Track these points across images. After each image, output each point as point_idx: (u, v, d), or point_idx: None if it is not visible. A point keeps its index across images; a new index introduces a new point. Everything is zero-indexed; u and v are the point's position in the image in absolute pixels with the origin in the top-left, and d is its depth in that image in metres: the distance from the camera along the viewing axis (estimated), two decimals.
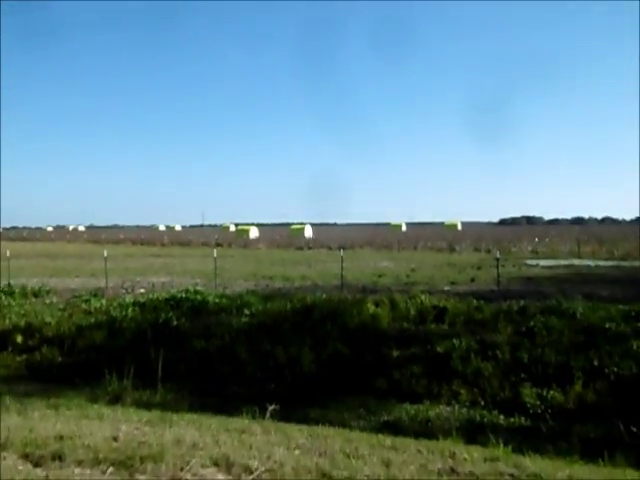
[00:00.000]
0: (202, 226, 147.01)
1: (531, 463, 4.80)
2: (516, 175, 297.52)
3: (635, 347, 10.26)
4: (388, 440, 5.60)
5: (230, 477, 3.89)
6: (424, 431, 7.54)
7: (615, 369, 9.56)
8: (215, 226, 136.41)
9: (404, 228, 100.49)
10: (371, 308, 13.80)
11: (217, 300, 15.36)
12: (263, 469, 4.01)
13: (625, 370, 9.51)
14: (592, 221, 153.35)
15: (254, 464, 4.10)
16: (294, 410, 8.29)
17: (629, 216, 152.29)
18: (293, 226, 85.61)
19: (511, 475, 4.35)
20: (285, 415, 7.24)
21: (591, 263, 29.33)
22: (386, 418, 8.68)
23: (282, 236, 69.01)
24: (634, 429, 6.10)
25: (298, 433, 5.57)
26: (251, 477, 3.88)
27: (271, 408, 6.42)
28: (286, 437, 5.24)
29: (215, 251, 23.21)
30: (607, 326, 11.51)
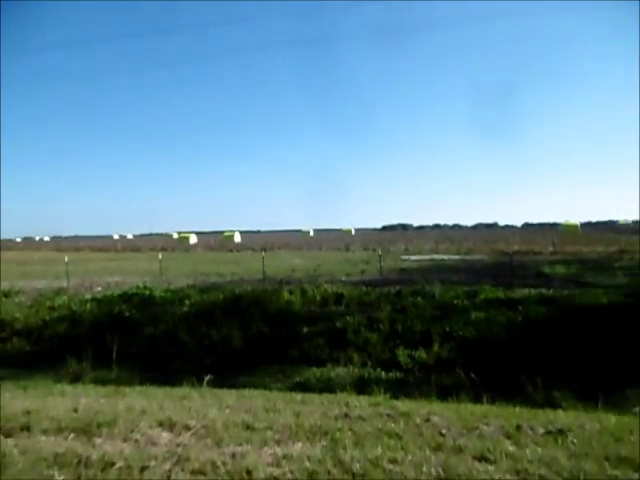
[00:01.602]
0: (150, 235, 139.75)
1: (402, 404, 5.00)
2: (393, 190, 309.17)
3: (473, 317, 11.04)
4: (299, 396, 5.63)
5: (172, 434, 3.78)
6: (327, 387, 7.64)
7: (461, 333, 10.21)
8: (161, 235, 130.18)
9: (312, 233, 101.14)
10: (286, 296, 13.83)
11: (162, 294, 14.73)
12: (199, 426, 3.93)
13: (467, 333, 10.20)
14: (446, 227, 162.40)
15: (192, 422, 4.01)
16: (226, 378, 8.13)
17: (471, 223, 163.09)
18: (225, 233, 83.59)
19: (388, 415, 4.50)
20: (219, 383, 7.06)
21: (445, 257, 30.93)
22: (298, 380, 8.71)
23: (216, 241, 67.32)
24: (473, 376, 6.52)
25: (228, 396, 5.48)
26: (189, 433, 3.79)
27: (207, 378, 6.26)
28: (219, 400, 5.14)
29: (160, 254, 22.26)
30: (455, 302, 12.28)
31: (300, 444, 3.59)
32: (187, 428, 3.89)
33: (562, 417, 4.58)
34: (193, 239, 72.38)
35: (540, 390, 6.66)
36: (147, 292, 14.90)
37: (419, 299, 12.86)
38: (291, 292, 14.20)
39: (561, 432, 3.84)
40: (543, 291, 13.49)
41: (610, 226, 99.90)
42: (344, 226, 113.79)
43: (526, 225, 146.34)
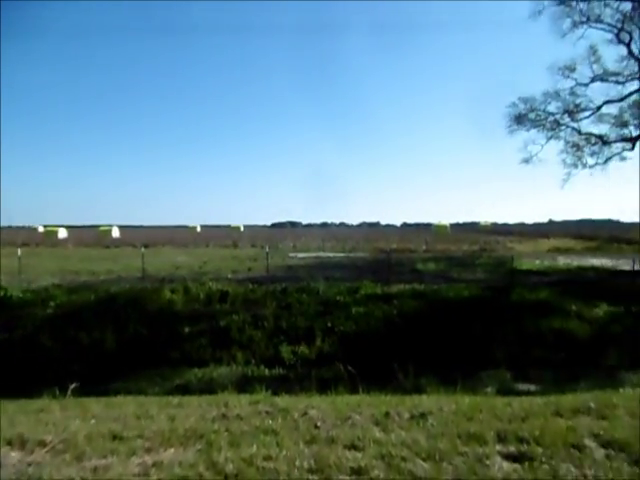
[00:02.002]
0: (10, 227, 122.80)
1: (281, 401, 5.04)
2: (284, 187, 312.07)
3: (354, 312, 11.63)
4: (175, 399, 5.39)
5: (23, 453, 3.37)
6: (208, 388, 7.45)
7: (342, 328, 10.67)
8: (23, 227, 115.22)
9: (199, 229, 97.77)
10: (167, 295, 13.17)
11: (21, 295, 13.06)
12: (57, 440, 3.56)
13: (348, 328, 10.69)
14: (333, 225, 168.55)
15: (49, 438, 3.61)
16: (97, 386, 7.51)
17: (356, 222, 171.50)
18: (101, 227, 76.80)
19: (266, 412, 4.50)
20: (87, 391, 6.48)
21: (331, 255, 32.00)
22: (178, 382, 8.38)
23: (91, 236, 61.52)
24: (350, 368, 6.84)
25: (96, 405, 5.05)
26: (45, 449, 3.42)
27: (72, 386, 5.70)
28: (83, 410, 4.70)
29: (19, 250, 19.72)
30: (337, 298, 12.79)
31: (173, 450, 3.44)
32: (42, 444, 3.50)
33: (425, 401, 5.01)
34: (62, 233, 65.17)
35: (410, 378, 7.23)
36: (1, 293, 13.10)
37: (304, 296, 13.14)
38: (173, 291, 13.57)
39: (423, 415, 4.20)
40: (416, 286, 14.66)
41: (473, 227, 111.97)
42: (233, 222, 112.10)
43: (404, 225, 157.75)
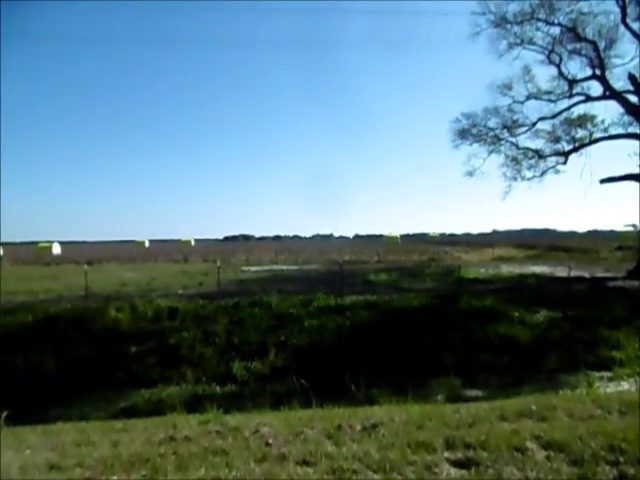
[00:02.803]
0: None
1: (232, 419, 4.93)
2: (236, 200, 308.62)
3: (307, 324, 11.63)
4: (119, 424, 5.13)
5: None
6: (156, 410, 7.15)
7: (295, 341, 10.62)
8: None
9: (147, 244, 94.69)
10: (113, 313, 12.62)
11: None
12: None
13: (301, 341, 10.66)
14: (286, 238, 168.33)
15: None
16: (34, 413, 7.02)
17: (309, 234, 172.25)
18: (40, 244, 72.59)
19: (216, 431, 4.39)
20: (24, 419, 6.05)
21: (284, 267, 31.92)
22: (124, 405, 8.00)
23: (29, 253, 58.02)
24: (303, 382, 6.80)
25: (31, 434, 4.71)
26: None
27: (4, 415, 5.29)
28: (17, 440, 4.39)
29: None
30: (291, 311, 12.75)
31: (115, 477, 3.27)
32: None
33: (377, 412, 5.05)
34: None
35: (362, 389, 7.28)
36: None
37: (256, 310, 13.01)
38: (119, 309, 13.02)
39: (374, 427, 4.22)
40: (368, 297, 14.85)
41: (423, 238, 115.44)
42: (183, 237, 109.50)
43: (357, 237, 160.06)
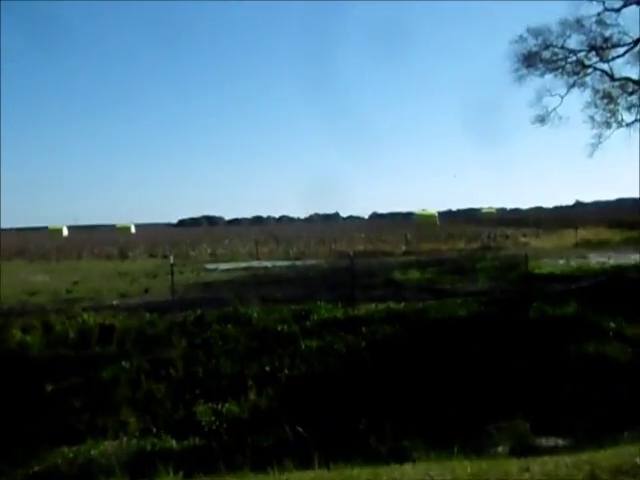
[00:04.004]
0: None
1: None
2: (192, 175, 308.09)
3: (303, 347, 11.66)
4: None
5: None
6: (85, 474, 7.24)
7: (287, 371, 10.68)
8: None
9: (65, 232, 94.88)
10: (17, 335, 12.70)
11: None
12: None
13: (295, 371, 10.72)
14: (271, 220, 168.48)
15: None
16: None
17: (303, 214, 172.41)
18: None
19: None
20: None
21: (268, 264, 31.89)
22: (37, 468, 8.06)
23: None
24: (300, 430, 6.85)
25: None
26: None
27: None
28: None
29: None
30: (279, 328, 12.77)
31: None
32: None
33: (410, 473, 5.08)
34: None
35: (387, 440, 7.32)
36: None
37: (229, 327, 13.05)
38: (26, 329, 13.10)
39: None
40: (392, 305, 14.87)
41: (472, 215, 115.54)
42: (119, 221, 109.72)
43: (375, 216, 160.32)
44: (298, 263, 31.98)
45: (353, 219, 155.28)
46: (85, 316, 14.19)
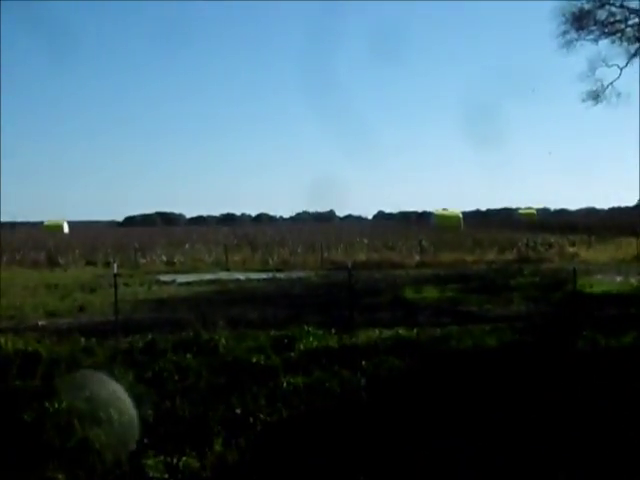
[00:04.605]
0: None
1: None
2: (144, 162, 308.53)
3: (285, 384, 11.58)
4: None
5: None
6: None
7: (262, 416, 10.59)
8: None
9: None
10: None
11: None
12: None
13: (274, 415, 10.62)
14: (245, 218, 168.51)
15: None
16: None
17: (288, 213, 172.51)
18: None
19: None
20: None
21: (241, 276, 31.93)
22: None
23: None
24: None
25: None
26: None
27: None
28: None
29: None
30: (254, 360, 12.69)
31: None
32: None
33: None
34: None
35: None
36: None
37: (189, 357, 13.04)
38: None
39: None
40: (402, 331, 14.89)
41: (506, 217, 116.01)
42: (47, 217, 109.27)
43: (381, 216, 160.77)
44: (280, 276, 32.09)
45: (353, 220, 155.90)
46: (2, 340, 14.13)
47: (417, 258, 38.32)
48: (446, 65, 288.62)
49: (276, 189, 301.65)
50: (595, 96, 26.61)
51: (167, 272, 35.86)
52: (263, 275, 32.45)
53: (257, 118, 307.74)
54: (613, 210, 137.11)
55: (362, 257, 38.90)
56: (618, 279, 24.96)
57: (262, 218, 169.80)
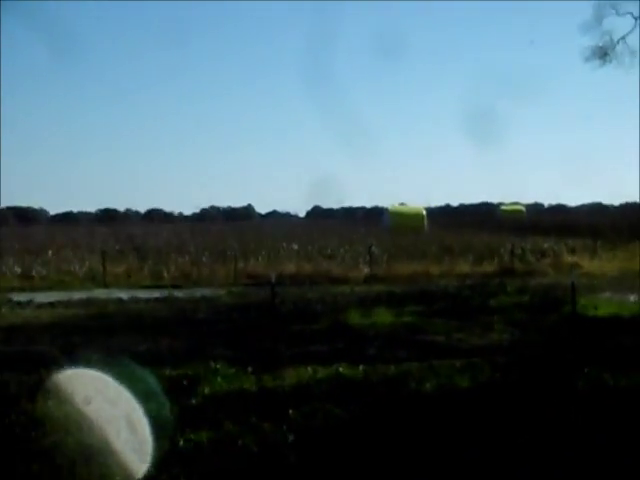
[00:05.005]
0: None
1: None
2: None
3: (182, 441, 11.45)
4: None
5: None
6: None
7: None
8: None
9: None
10: None
11: None
12: None
13: None
14: (131, 216, 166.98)
15: None
16: None
17: (188, 210, 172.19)
18: None
19: None
20: None
21: (124, 295, 31.60)
22: None
23: None
24: None
25: None
26: None
27: None
28: None
29: None
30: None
31: None
32: None
33: None
34: None
35: None
36: None
37: (51, 405, 12.80)
38: None
39: None
40: (344, 368, 14.88)
41: (485, 215, 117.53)
42: None
43: (317, 213, 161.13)
44: (178, 294, 31.85)
45: (279, 218, 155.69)
46: None
47: (365, 270, 38.44)
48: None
49: (172, 177, 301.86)
50: (602, 54, 26.82)
51: (22, 289, 35.26)
52: (155, 293, 32.08)
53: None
54: (625, 207, 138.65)
55: (291, 268, 38.80)
56: (632, 298, 25.37)
57: (154, 215, 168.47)
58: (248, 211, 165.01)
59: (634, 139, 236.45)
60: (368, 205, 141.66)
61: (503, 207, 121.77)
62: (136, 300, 29.75)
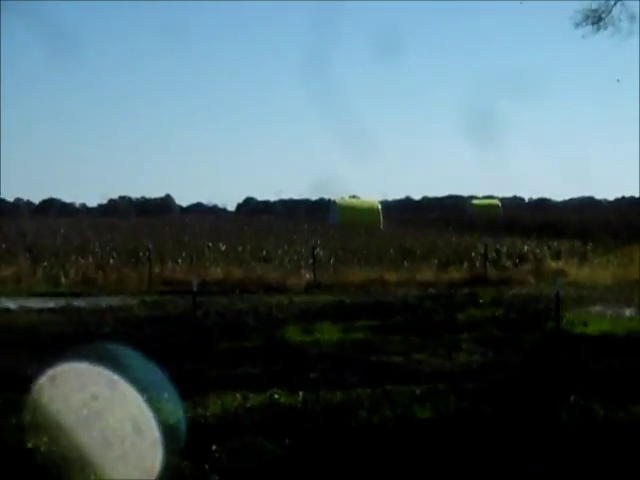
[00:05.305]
0: None
1: None
2: None
3: None
4: None
5: None
6: None
7: None
8: None
9: None
10: None
11: None
12: None
13: None
14: (23, 207, 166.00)
15: None
16: None
17: (94, 200, 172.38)
18: None
19: None
20: None
21: (13, 304, 31.31)
22: None
23: None
24: None
25: None
26: None
27: None
28: None
29: None
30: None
31: None
32: None
33: None
34: None
35: None
36: None
37: None
38: None
39: None
40: (279, 395, 14.89)
41: (452, 210, 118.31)
42: None
43: (250, 206, 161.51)
44: (80, 304, 31.71)
45: (203, 212, 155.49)
46: None
47: (307, 276, 38.43)
48: None
49: (73, 160, 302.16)
50: (596, 18, 26.96)
51: None
52: (50, 303, 31.88)
53: None
54: (621, 203, 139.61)
55: (217, 273, 38.70)
56: (628, 312, 25.59)
57: (51, 207, 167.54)
58: (166, 203, 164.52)
59: (634, 124, 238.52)
60: (312, 197, 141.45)
61: (475, 201, 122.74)
62: (27, 310, 29.51)
